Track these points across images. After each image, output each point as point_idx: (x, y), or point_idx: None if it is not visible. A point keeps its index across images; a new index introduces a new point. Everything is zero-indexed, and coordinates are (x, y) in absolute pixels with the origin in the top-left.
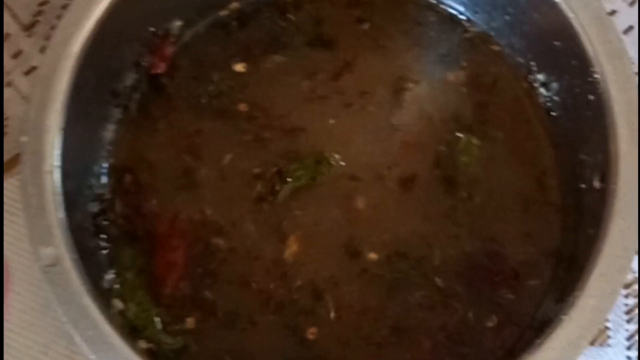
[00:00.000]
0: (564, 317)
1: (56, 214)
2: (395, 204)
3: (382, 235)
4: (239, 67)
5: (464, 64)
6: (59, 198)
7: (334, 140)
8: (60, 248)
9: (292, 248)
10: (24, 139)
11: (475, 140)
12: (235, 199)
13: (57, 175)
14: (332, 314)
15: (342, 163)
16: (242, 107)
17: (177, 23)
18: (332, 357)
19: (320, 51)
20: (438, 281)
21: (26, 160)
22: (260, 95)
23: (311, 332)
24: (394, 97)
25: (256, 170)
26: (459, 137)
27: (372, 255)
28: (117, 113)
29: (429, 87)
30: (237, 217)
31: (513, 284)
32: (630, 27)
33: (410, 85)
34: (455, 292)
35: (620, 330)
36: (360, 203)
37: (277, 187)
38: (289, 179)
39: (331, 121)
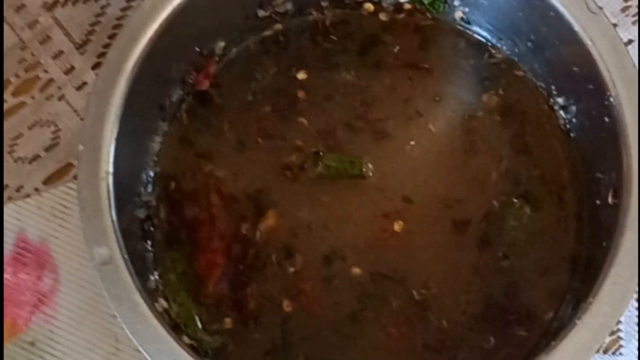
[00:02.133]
0: (577, 321)
1: (110, 216)
2: (427, 241)
3: (396, 262)
4: (301, 75)
5: (493, 89)
6: (112, 202)
7: (382, 154)
8: (113, 248)
9: (268, 222)
10: (80, 147)
11: (528, 210)
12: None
13: (110, 182)
14: None
15: (372, 175)
16: (301, 94)
17: (221, 44)
18: None
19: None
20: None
21: (82, 167)
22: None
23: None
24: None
25: (298, 143)
26: (513, 202)
27: (356, 270)
28: (163, 126)
29: (462, 110)
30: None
31: (526, 322)
32: None
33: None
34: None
35: (632, 340)
36: (398, 226)
37: (306, 166)
38: (319, 164)
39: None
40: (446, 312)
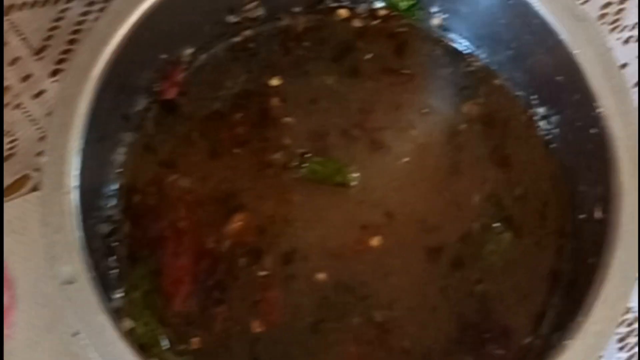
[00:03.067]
0: (568, 342)
1: (74, 233)
2: (401, 262)
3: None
4: (274, 81)
5: (473, 98)
6: (77, 217)
7: (371, 165)
8: (78, 266)
9: (235, 225)
10: (44, 159)
11: (508, 237)
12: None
13: (75, 196)
14: None
15: (356, 185)
16: (274, 101)
17: (189, 50)
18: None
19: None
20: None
21: (46, 180)
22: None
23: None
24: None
25: (286, 142)
26: (493, 226)
27: (321, 275)
28: (128, 136)
29: (444, 121)
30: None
31: (502, 340)
32: (624, 65)
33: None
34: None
35: (612, 358)
36: (375, 241)
37: (290, 166)
38: (304, 166)
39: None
40: (410, 337)
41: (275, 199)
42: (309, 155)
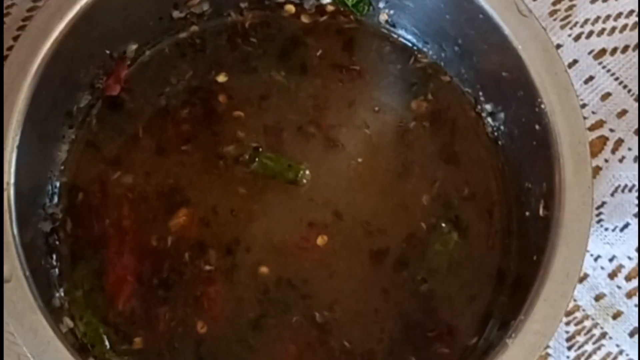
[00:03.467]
0: (508, 341)
1: (10, 231)
2: (345, 264)
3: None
4: (221, 78)
5: (422, 94)
6: (13, 216)
7: (324, 163)
8: (14, 265)
9: (179, 219)
10: None
11: (455, 237)
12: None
13: (11, 193)
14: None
15: (306, 183)
16: (222, 97)
17: (133, 46)
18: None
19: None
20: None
21: None
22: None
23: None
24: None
25: (240, 135)
26: (441, 226)
27: (263, 269)
28: (70, 133)
29: (394, 119)
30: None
31: (447, 339)
32: (575, 61)
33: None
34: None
35: (561, 357)
36: (321, 240)
37: (242, 159)
38: (256, 160)
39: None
40: (351, 339)
41: (222, 191)
42: (261, 150)
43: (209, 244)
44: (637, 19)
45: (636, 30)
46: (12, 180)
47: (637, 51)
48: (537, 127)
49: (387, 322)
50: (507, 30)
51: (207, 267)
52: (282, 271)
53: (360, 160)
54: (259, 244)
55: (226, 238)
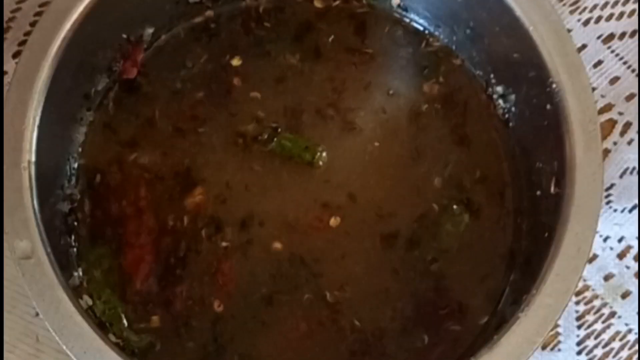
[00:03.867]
0: (520, 314)
1: (32, 208)
2: (356, 246)
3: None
4: (235, 61)
5: (434, 77)
6: (34, 194)
7: (341, 146)
8: (35, 241)
9: (195, 198)
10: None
11: (466, 218)
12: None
13: (32, 172)
14: None
15: (322, 165)
16: (236, 80)
17: (149, 30)
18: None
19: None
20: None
21: (4, 157)
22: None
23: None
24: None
25: (260, 115)
26: (453, 207)
27: (277, 245)
28: (88, 115)
29: (407, 102)
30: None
31: (458, 316)
32: (584, 46)
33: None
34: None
35: (571, 335)
36: (334, 221)
37: (260, 138)
38: (274, 140)
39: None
40: (362, 318)
41: (237, 167)
42: (280, 130)
43: (224, 220)
44: None
45: None
46: (34, 159)
47: None
48: (548, 107)
49: (398, 302)
50: (518, 11)
51: (224, 244)
52: (295, 248)
53: (376, 144)
54: (272, 219)
55: (240, 212)
